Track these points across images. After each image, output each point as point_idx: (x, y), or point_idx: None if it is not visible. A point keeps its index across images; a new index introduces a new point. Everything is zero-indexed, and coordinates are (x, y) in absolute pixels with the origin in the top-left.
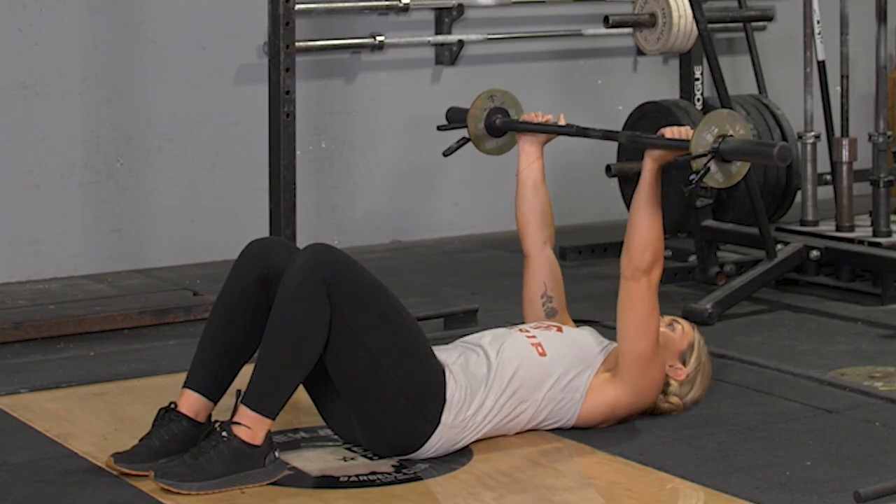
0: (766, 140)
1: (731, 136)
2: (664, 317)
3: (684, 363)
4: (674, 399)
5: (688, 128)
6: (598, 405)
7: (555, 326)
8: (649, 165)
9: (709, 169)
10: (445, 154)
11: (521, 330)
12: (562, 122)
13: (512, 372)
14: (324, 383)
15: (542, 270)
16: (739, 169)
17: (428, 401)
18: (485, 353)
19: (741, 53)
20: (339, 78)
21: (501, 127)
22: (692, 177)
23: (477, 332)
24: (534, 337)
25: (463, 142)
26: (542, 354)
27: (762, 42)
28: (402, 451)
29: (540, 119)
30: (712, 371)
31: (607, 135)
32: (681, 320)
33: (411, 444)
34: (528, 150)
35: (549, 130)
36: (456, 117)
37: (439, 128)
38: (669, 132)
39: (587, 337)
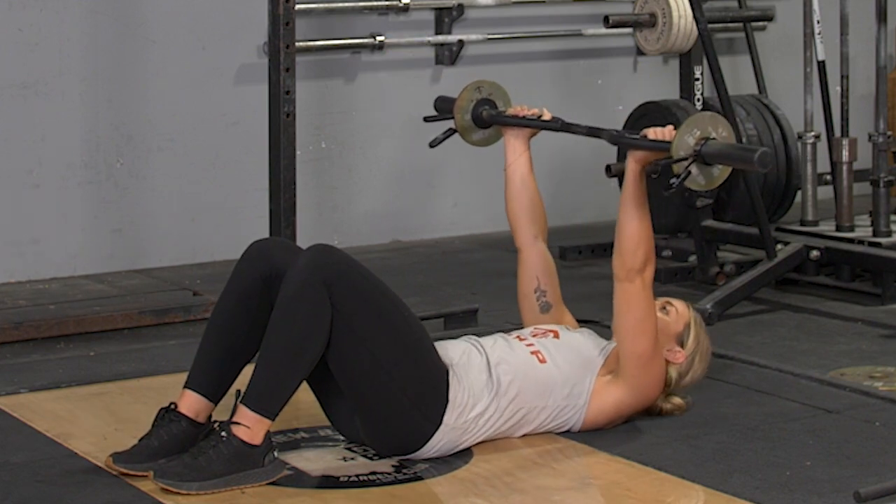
0: (748, 145)
1: (713, 138)
2: (657, 300)
3: (682, 345)
4: (676, 400)
5: (671, 128)
6: (603, 408)
7: (551, 332)
8: (632, 166)
9: (689, 172)
10: (432, 145)
11: (518, 338)
12: (546, 117)
13: (511, 378)
14: (327, 381)
15: (534, 265)
16: (721, 172)
17: (430, 401)
18: (486, 358)
19: (741, 53)
20: (339, 78)
21: (487, 120)
22: (673, 181)
23: (477, 331)
24: (532, 345)
25: (449, 133)
26: (543, 361)
27: (762, 42)
28: (404, 451)
29: (526, 113)
30: (710, 349)
31: (591, 131)
32: (674, 301)
33: (413, 444)
34: (514, 144)
35: (534, 125)
36: (444, 107)
37: (426, 119)
38: (652, 133)
39: (585, 341)
